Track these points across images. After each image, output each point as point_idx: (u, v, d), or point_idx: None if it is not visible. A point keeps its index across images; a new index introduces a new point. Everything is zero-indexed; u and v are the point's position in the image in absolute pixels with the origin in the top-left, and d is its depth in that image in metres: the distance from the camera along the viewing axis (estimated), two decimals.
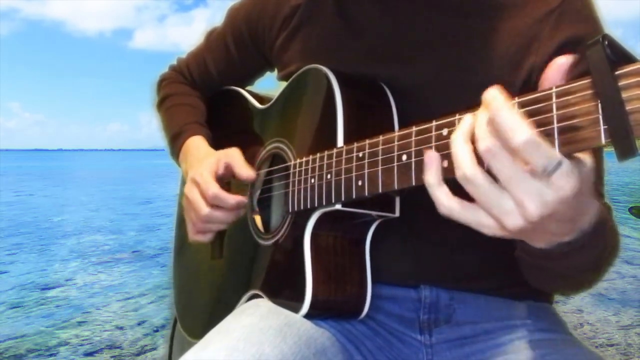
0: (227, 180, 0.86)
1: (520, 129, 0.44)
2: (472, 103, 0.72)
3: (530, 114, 0.47)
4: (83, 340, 2.99)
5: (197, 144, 0.95)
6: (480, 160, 0.47)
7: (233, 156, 0.84)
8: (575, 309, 3.35)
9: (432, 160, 0.51)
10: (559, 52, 0.70)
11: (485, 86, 0.72)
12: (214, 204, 0.82)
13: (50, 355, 2.79)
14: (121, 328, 3.17)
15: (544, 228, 0.48)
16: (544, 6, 0.72)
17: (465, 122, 0.50)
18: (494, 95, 0.47)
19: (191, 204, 0.85)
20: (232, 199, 0.82)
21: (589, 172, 0.47)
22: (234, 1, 1.00)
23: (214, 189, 0.82)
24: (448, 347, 0.77)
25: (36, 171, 24.99)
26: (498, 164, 0.46)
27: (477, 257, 0.78)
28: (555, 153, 0.44)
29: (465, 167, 0.48)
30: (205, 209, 0.82)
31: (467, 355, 0.77)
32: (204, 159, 0.88)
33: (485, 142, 0.46)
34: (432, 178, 0.51)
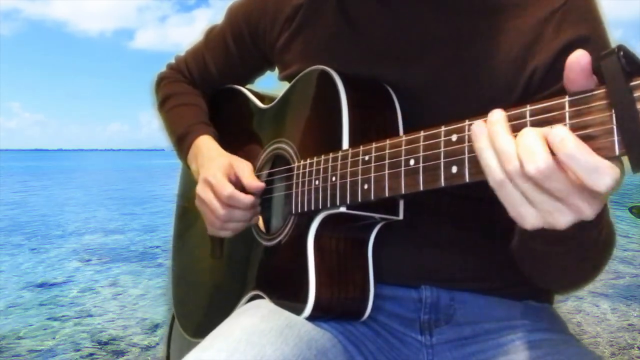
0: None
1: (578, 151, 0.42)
2: (476, 103, 0.73)
3: (541, 123, 0.46)
4: (83, 339, 2.99)
5: (207, 144, 0.94)
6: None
7: (242, 168, 0.85)
8: (575, 309, 3.35)
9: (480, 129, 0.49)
10: (563, 52, 0.70)
11: (488, 86, 0.73)
12: (230, 204, 0.83)
13: (50, 354, 2.79)
14: (121, 327, 3.17)
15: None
16: (547, 6, 0.72)
17: (500, 122, 0.48)
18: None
19: (206, 205, 0.85)
20: (247, 198, 0.82)
21: None
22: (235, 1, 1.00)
23: (229, 189, 0.82)
24: (449, 348, 0.78)
25: (36, 171, 24.97)
26: (553, 184, 0.45)
27: (478, 258, 0.78)
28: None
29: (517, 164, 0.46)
30: (221, 210, 0.83)
31: (467, 355, 0.77)
32: (215, 159, 0.88)
33: (537, 163, 0.44)
34: (484, 142, 0.49)
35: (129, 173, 23.59)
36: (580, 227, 0.49)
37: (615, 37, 0.73)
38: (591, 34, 0.70)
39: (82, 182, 16.97)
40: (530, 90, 0.71)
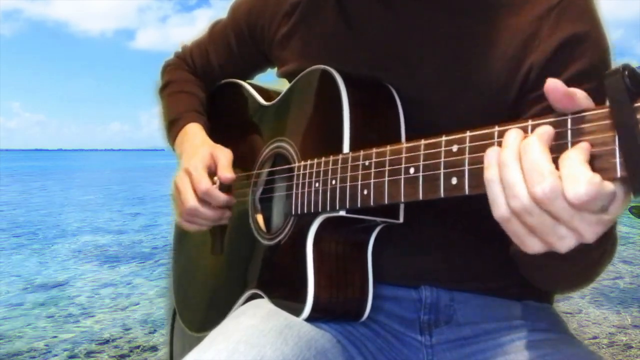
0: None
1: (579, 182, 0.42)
2: (474, 102, 0.72)
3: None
4: (83, 339, 2.99)
5: (194, 131, 0.96)
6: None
7: (220, 157, 0.86)
8: (575, 309, 3.35)
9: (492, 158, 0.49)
10: (559, 50, 0.70)
11: (486, 85, 0.72)
12: (203, 199, 0.83)
13: (50, 355, 2.79)
14: (121, 327, 3.17)
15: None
16: (544, 3, 0.72)
17: (513, 148, 0.47)
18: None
19: (180, 194, 0.85)
20: (222, 197, 0.83)
21: None
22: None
23: (206, 184, 0.83)
24: (448, 348, 0.78)
25: (36, 171, 24.97)
26: (555, 207, 0.44)
27: (478, 258, 0.78)
28: (608, 191, 0.42)
29: (523, 197, 0.46)
30: (191, 202, 0.83)
31: (467, 355, 0.77)
32: (199, 148, 0.89)
33: (542, 186, 0.44)
34: (494, 174, 0.48)
35: (129, 173, 23.58)
36: (584, 248, 0.49)
37: (615, 37, 0.73)
38: (588, 31, 0.70)
39: (82, 182, 16.97)
40: (526, 89, 0.71)
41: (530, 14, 0.72)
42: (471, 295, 0.78)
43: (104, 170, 26.59)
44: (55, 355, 2.78)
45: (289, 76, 0.87)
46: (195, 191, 0.83)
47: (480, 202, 0.63)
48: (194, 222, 0.87)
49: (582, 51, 0.69)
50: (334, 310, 0.73)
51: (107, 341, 2.95)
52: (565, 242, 0.46)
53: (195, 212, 0.84)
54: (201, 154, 0.87)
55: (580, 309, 3.34)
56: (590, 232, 0.45)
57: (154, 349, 2.83)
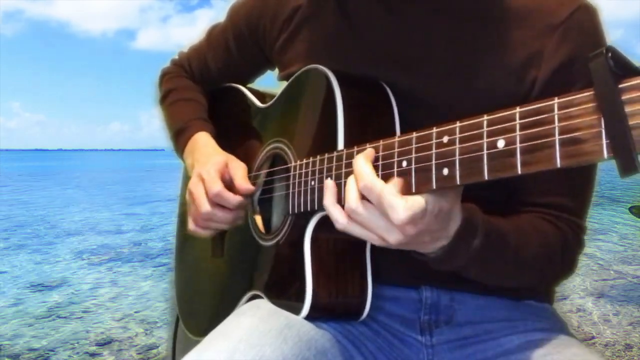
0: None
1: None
2: (474, 110, 0.72)
3: (531, 125, 0.46)
4: (83, 340, 2.99)
5: (204, 141, 0.95)
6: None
7: (237, 168, 0.85)
8: (575, 309, 3.35)
9: (329, 187, 0.64)
10: (561, 69, 0.70)
11: (487, 95, 0.72)
12: (216, 202, 0.83)
13: (50, 355, 2.79)
14: (122, 328, 3.17)
15: (420, 239, 0.59)
16: (549, 18, 0.72)
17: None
18: (359, 162, 0.60)
19: (194, 199, 0.85)
20: (234, 199, 0.82)
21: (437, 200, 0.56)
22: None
23: (218, 187, 0.82)
24: (449, 348, 0.78)
25: (36, 171, 24.99)
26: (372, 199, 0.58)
27: None
28: (376, 192, 0.57)
29: (352, 201, 0.59)
30: (206, 206, 0.83)
31: (467, 355, 0.77)
32: (212, 156, 0.88)
33: (360, 184, 0.59)
34: (329, 200, 0.64)
35: (129, 173, 23.59)
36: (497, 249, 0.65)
37: (615, 37, 0.73)
38: (591, 52, 0.70)
39: (82, 182, 16.96)
40: (529, 102, 0.71)
41: (534, 29, 0.72)
42: (471, 296, 0.78)
43: (104, 170, 26.60)
44: (55, 355, 2.78)
45: (289, 79, 0.87)
46: (207, 195, 0.83)
47: (478, 201, 0.63)
48: (208, 226, 0.86)
49: (585, 70, 0.69)
50: (333, 308, 0.73)
51: (107, 341, 2.96)
52: (392, 235, 0.58)
53: (210, 216, 0.83)
54: (215, 160, 0.86)
55: (580, 309, 3.35)
56: (390, 234, 0.58)
57: (153, 348, 2.83)
